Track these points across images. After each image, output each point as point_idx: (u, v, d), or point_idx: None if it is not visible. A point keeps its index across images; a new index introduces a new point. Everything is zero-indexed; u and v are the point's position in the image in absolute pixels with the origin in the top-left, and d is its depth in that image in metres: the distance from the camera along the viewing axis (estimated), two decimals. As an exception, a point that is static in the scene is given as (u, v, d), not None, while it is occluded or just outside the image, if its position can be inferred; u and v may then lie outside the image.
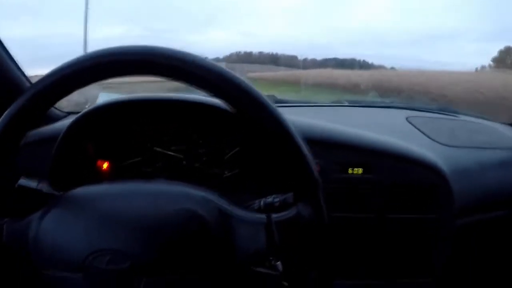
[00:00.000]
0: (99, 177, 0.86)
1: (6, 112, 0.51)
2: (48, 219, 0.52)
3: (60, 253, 0.50)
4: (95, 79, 0.51)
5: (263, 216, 0.53)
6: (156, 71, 0.49)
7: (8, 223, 0.53)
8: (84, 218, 0.51)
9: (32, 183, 0.55)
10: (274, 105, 0.51)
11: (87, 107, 0.83)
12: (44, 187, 0.55)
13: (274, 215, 0.53)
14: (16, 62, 0.87)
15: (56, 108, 1.11)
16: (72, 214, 0.52)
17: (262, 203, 0.56)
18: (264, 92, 0.53)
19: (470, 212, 0.93)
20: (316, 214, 0.53)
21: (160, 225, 0.51)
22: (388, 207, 0.84)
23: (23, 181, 0.55)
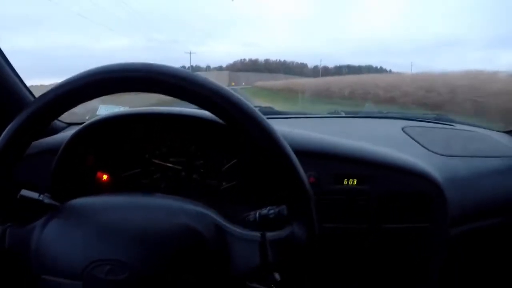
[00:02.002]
0: (98, 188, 0.88)
1: (10, 125, 0.53)
2: (50, 228, 0.53)
3: (61, 261, 0.52)
4: (98, 95, 0.53)
5: (257, 234, 0.55)
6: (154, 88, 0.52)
7: (11, 228, 0.55)
8: (84, 228, 0.53)
9: (34, 194, 0.56)
10: (264, 118, 0.53)
11: (88, 120, 0.84)
12: (45, 198, 0.56)
13: (268, 234, 0.55)
14: (19, 75, 0.88)
15: (56, 119, 1.12)
16: (73, 224, 0.54)
17: (257, 215, 0.58)
18: (264, 102, 0.55)
19: (465, 221, 0.93)
20: (309, 231, 0.55)
21: (157, 238, 0.52)
22: (382, 217, 0.85)
23: (25, 192, 0.56)
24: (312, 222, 0.55)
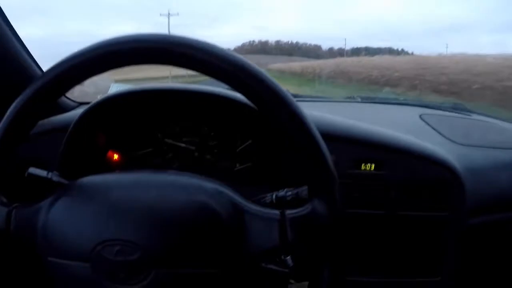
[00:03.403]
0: (109, 168, 0.87)
1: (17, 100, 0.50)
2: (57, 207, 0.52)
3: (68, 242, 0.50)
4: (107, 68, 0.50)
5: (276, 212, 0.53)
6: (177, 60, 0.48)
7: (17, 209, 0.53)
8: (93, 207, 0.51)
9: (42, 172, 0.55)
10: (294, 100, 0.50)
11: (99, 97, 0.83)
12: (54, 176, 0.55)
13: (288, 211, 0.52)
14: (28, 50, 0.87)
15: (67, 98, 1.11)
16: (81, 202, 0.52)
17: (274, 196, 0.56)
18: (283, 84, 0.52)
19: (483, 212, 0.91)
20: (331, 210, 0.52)
21: (171, 216, 0.50)
22: (399, 204, 0.83)
23: (33, 170, 0.55)
24: (334, 199, 0.53)
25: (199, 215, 0.51)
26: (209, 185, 0.53)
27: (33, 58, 0.93)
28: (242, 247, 0.52)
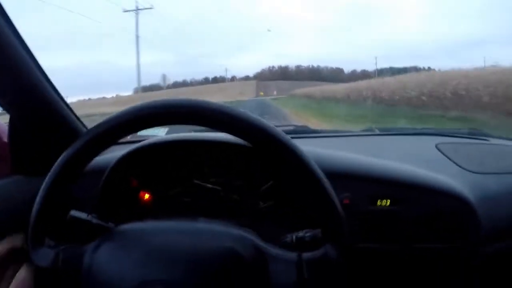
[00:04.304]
0: (142, 207, 0.93)
1: (65, 152, 0.59)
2: (101, 251, 0.59)
3: (112, 283, 0.57)
4: (142, 128, 0.59)
5: (294, 254, 0.59)
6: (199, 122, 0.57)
7: (64, 250, 0.60)
8: (134, 252, 0.58)
9: (83, 215, 0.62)
10: (292, 142, 0.58)
11: (130, 140, 0.90)
12: (93, 218, 0.62)
13: (304, 254, 0.59)
14: (70, 107, 0.94)
15: None
16: (123, 248, 0.59)
17: (294, 237, 0.62)
18: (301, 121, 0.59)
19: (499, 239, 0.92)
20: (341, 251, 0.59)
21: (202, 260, 0.57)
22: (414, 237, 0.85)
23: (74, 213, 0.62)
24: (344, 241, 0.59)
25: (225, 258, 0.58)
26: (234, 231, 0.61)
27: (76, 115, 0.98)
28: (264, 286, 0.58)
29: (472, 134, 1.35)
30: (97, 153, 0.61)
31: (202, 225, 0.63)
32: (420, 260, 0.87)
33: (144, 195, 0.95)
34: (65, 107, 0.89)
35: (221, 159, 0.93)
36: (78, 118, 0.97)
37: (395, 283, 0.89)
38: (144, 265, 0.57)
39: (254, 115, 0.58)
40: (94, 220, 0.62)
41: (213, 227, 0.62)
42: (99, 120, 0.60)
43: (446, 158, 1.07)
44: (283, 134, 0.58)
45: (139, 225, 0.62)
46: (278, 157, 0.58)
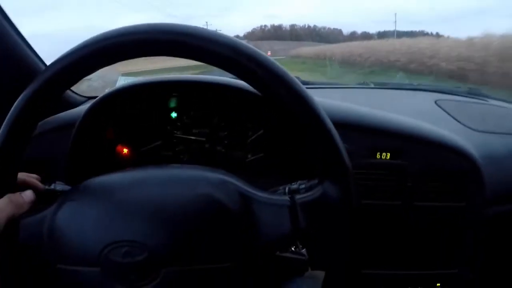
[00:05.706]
0: (119, 163, 0.86)
1: (19, 98, 0.48)
2: (61, 214, 0.50)
3: (75, 248, 0.48)
4: (111, 61, 0.47)
5: (286, 198, 0.50)
6: (186, 53, 0.46)
7: (23, 220, 0.52)
8: (96, 210, 0.49)
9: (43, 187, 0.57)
10: (305, 89, 0.48)
11: (106, 91, 0.81)
12: (58, 185, 0.57)
13: (298, 196, 0.50)
14: (31, 46, 0.85)
15: (75, 93, 1.10)
16: (85, 206, 0.50)
17: (287, 189, 0.53)
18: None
19: (502, 201, 0.88)
20: (343, 193, 0.49)
21: (175, 212, 0.48)
22: (416, 194, 0.81)
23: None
24: (347, 183, 0.50)
25: (204, 208, 0.48)
26: (213, 175, 0.51)
27: (37, 54, 0.91)
28: (253, 238, 0.49)
29: (471, 93, 1.32)
30: (60, 92, 0.51)
31: (173, 171, 0.53)
32: (421, 218, 0.83)
33: (122, 150, 0.87)
34: (21, 42, 0.80)
35: (204, 106, 0.85)
36: (39, 57, 0.88)
37: (396, 241, 0.85)
38: (108, 224, 0.48)
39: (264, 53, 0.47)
40: (59, 187, 0.56)
41: (187, 173, 0.52)
42: (95, 84, 0.50)
43: (447, 114, 1.02)
44: (291, 76, 0.47)
45: (100, 179, 0.52)
46: (281, 100, 0.47)
